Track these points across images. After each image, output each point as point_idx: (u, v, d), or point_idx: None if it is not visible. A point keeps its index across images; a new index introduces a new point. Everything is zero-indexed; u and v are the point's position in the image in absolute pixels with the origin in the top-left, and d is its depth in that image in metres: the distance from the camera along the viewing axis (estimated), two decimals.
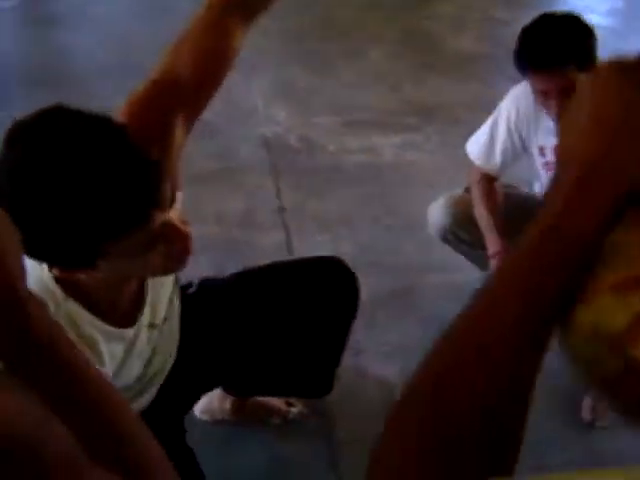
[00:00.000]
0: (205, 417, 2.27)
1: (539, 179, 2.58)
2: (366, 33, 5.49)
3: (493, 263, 2.48)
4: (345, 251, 2.77)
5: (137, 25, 5.22)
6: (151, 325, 1.58)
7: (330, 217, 3.27)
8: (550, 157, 2.43)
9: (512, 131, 2.45)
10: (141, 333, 1.56)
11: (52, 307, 1.33)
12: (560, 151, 0.63)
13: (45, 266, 1.34)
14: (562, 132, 0.64)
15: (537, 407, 0.64)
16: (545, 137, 2.40)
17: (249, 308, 1.87)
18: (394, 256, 3.02)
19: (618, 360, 0.56)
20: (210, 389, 2.10)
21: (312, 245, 3.05)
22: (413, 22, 5.71)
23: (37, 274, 1.33)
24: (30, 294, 0.72)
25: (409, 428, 0.60)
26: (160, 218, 1.29)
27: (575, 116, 0.63)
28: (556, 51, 2.14)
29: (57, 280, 1.35)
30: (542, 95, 2.22)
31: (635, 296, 0.56)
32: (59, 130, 1.23)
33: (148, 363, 1.62)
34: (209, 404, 2.26)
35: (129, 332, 1.52)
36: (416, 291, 2.91)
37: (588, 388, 0.64)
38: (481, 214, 2.50)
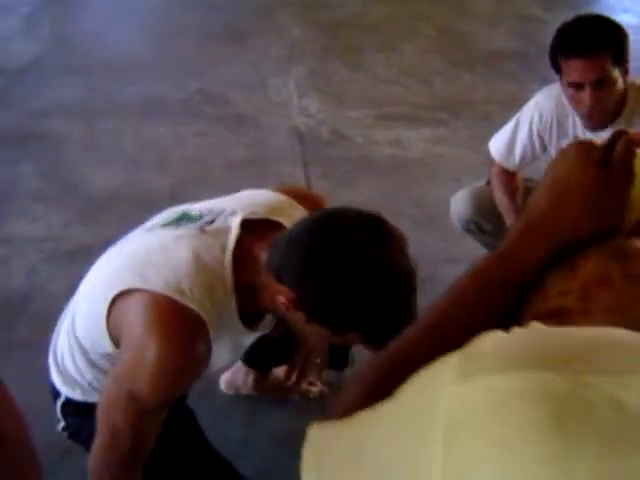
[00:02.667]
0: (230, 392, 2.38)
1: None
2: (400, 28, 5.57)
3: None
4: None
5: None
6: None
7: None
8: None
9: (533, 134, 2.53)
10: (251, 338, 1.69)
11: (220, 291, 1.47)
12: (528, 201, 0.79)
13: (229, 259, 1.48)
14: (535, 188, 0.80)
15: None
16: (564, 140, 2.48)
17: None
18: (416, 246, 3.06)
19: None
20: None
21: None
22: (447, 18, 5.77)
23: (219, 266, 1.47)
24: None
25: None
26: None
27: (545, 177, 0.78)
28: (593, 37, 2.21)
29: (236, 276, 1.48)
30: (575, 88, 2.27)
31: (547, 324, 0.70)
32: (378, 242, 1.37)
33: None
34: (234, 379, 2.36)
35: (247, 333, 1.63)
36: (436, 280, 2.98)
37: None
38: (501, 201, 2.59)
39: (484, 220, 2.68)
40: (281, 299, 1.40)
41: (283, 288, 1.39)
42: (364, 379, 0.76)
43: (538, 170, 2.75)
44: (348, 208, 1.44)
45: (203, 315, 1.43)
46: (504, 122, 2.67)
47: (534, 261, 0.73)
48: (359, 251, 1.33)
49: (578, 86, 2.25)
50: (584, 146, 0.76)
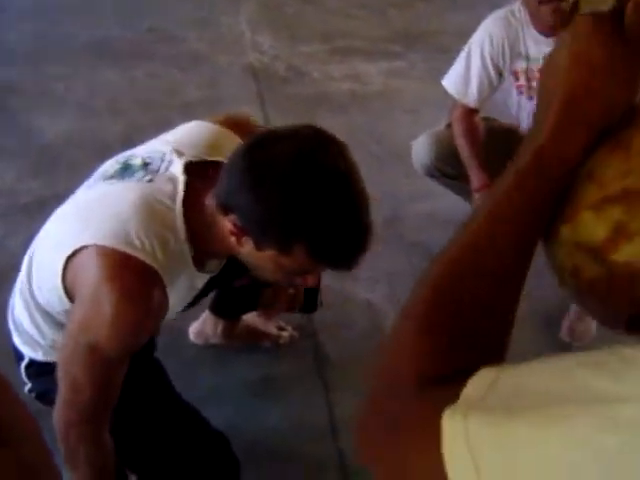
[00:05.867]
0: (199, 341, 2.35)
1: (513, 102, 2.62)
2: None
3: (477, 197, 2.55)
4: None
5: None
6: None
7: None
8: (522, 79, 2.49)
9: (487, 62, 2.49)
10: (204, 279, 1.66)
11: (172, 241, 1.47)
12: (541, 94, 0.72)
13: (180, 209, 1.47)
14: (542, 79, 0.72)
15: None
16: (518, 62, 2.47)
17: None
18: (380, 185, 3.06)
19: (601, 267, 0.66)
20: None
21: None
22: None
23: (170, 216, 1.47)
24: None
25: (408, 324, 0.68)
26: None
27: (556, 62, 0.71)
28: None
29: (188, 224, 1.48)
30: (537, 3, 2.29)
31: (611, 210, 0.65)
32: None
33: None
34: (202, 328, 2.34)
35: (200, 276, 1.62)
36: (402, 219, 2.98)
37: (574, 298, 0.74)
38: (462, 148, 2.56)
39: (447, 165, 2.65)
40: (228, 226, 1.41)
41: (230, 217, 1.40)
42: (428, 284, 0.69)
43: (497, 109, 2.77)
44: (282, 126, 1.44)
45: (155, 265, 1.43)
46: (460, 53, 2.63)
47: (577, 151, 0.67)
48: (292, 155, 1.33)
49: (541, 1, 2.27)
50: (594, 20, 0.70)
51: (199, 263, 1.57)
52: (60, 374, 1.47)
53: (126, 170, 1.55)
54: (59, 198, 1.68)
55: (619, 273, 0.65)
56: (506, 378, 0.59)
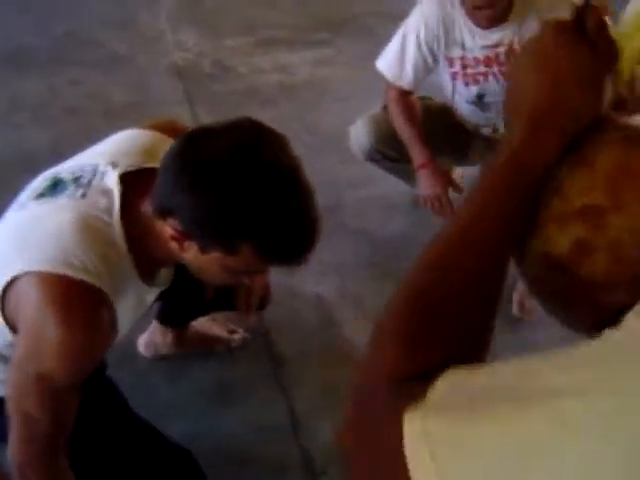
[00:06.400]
0: (149, 353, 2.29)
1: (447, 86, 2.61)
2: None
3: (421, 174, 2.53)
4: None
5: None
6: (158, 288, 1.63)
7: None
8: (457, 66, 2.49)
9: (422, 46, 2.47)
10: (153, 293, 1.61)
11: (114, 257, 1.40)
12: (510, 107, 0.73)
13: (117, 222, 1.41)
14: (509, 91, 0.73)
15: None
16: (453, 49, 2.46)
17: None
18: (317, 174, 3.02)
19: (565, 278, 0.69)
20: None
21: None
22: None
23: (108, 231, 1.41)
24: None
25: (395, 311, 0.68)
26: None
27: (523, 68, 0.72)
28: None
29: (127, 237, 1.42)
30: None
31: (573, 225, 0.67)
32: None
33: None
34: (151, 339, 2.28)
35: (149, 290, 1.57)
36: (343, 206, 2.95)
37: (541, 305, 0.76)
38: (401, 128, 2.54)
39: (388, 147, 2.63)
40: (169, 231, 1.35)
41: (169, 222, 1.35)
42: (408, 281, 0.69)
43: (431, 88, 2.77)
44: (216, 122, 1.38)
45: (99, 284, 1.36)
46: (389, 36, 2.60)
47: (548, 159, 0.68)
48: (229, 150, 1.29)
49: None
50: (559, 27, 0.71)
51: (147, 276, 1.52)
52: (11, 409, 1.39)
53: (56, 187, 1.48)
54: None
55: (582, 284, 0.68)
56: (473, 377, 0.60)
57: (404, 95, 2.58)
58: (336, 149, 3.06)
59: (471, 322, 0.67)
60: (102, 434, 1.66)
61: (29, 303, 1.34)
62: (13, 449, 1.41)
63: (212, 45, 4.21)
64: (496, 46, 2.39)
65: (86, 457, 1.59)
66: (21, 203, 1.51)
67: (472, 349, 0.67)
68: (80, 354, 1.35)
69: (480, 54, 2.43)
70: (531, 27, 2.26)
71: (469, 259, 0.67)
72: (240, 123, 1.35)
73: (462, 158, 2.77)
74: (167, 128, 1.66)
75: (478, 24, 2.37)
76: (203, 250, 1.36)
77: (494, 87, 2.48)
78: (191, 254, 1.39)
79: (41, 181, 1.53)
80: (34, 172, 1.61)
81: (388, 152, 2.64)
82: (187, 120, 3.46)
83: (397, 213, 2.97)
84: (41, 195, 1.48)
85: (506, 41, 2.36)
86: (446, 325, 0.65)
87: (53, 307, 1.31)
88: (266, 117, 1.41)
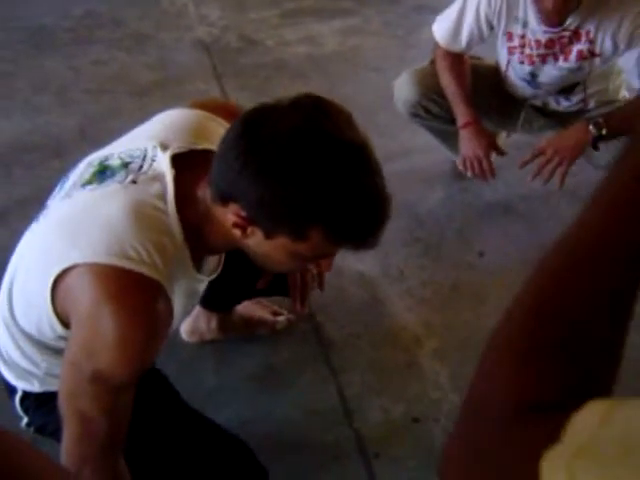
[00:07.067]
0: (193, 339, 2.23)
1: (502, 60, 2.52)
2: None
3: (464, 133, 2.45)
4: None
5: None
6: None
7: None
8: (516, 42, 2.38)
9: (481, 19, 2.38)
10: (204, 283, 1.54)
11: (170, 246, 1.33)
12: None
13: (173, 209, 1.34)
14: None
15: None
16: (514, 26, 2.35)
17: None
18: None
19: None
20: None
21: None
22: None
23: (163, 219, 1.33)
24: None
25: (510, 333, 0.58)
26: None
27: None
28: None
29: (182, 225, 1.34)
30: None
31: None
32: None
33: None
34: (195, 325, 2.21)
35: (202, 280, 1.50)
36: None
37: None
38: (448, 84, 2.46)
39: (432, 102, 2.55)
40: (232, 219, 1.27)
41: (231, 207, 1.27)
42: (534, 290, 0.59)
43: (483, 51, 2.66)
44: (276, 99, 1.27)
45: (156, 276, 1.28)
46: (413, 2, 2.51)
47: None
48: (296, 129, 1.19)
49: None
50: None
51: (197, 264, 1.44)
52: (65, 408, 1.33)
53: (104, 172, 1.40)
54: (19, 207, 1.54)
55: None
56: (621, 412, 0.49)
57: (454, 54, 2.50)
58: (370, 122, 2.96)
59: (608, 340, 0.57)
60: (157, 428, 1.60)
61: (84, 297, 1.26)
62: (68, 450, 1.34)
63: (236, 19, 4.11)
64: (560, 30, 2.28)
65: (141, 453, 1.53)
66: (66, 191, 1.43)
67: (604, 375, 0.57)
68: (141, 351, 1.29)
69: (543, 37, 2.32)
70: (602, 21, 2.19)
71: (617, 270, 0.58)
72: (302, 100, 1.24)
73: (509, 124, 2.68)
74: (221, 106, 1.58)
75: (540, 12, 2.25)
76: (268, 236, 1.28)
77: (549, 70, 2.39)
78: (255, 241, 1.31)
79: (86, 167, 1.45)
80: (66, 158, 1.53)
81: (432, 108, 2.56)
82: (216, 94, 3.39)
83: (437, 185, 2.89)
84: (88, 182, 1.40)
85: (572, 27, 2.25)
86: (583, 341, 0.56)
87: (112, 302, 1.24)
88: (296, 91, 1.32)
